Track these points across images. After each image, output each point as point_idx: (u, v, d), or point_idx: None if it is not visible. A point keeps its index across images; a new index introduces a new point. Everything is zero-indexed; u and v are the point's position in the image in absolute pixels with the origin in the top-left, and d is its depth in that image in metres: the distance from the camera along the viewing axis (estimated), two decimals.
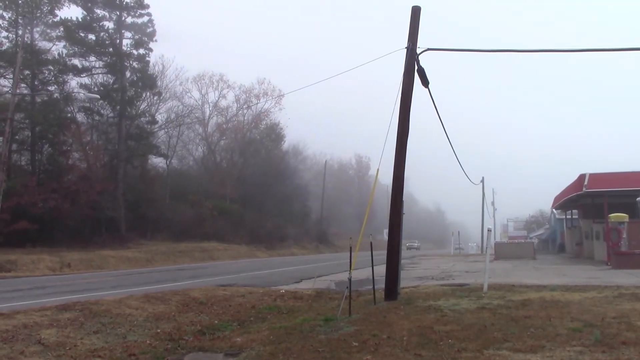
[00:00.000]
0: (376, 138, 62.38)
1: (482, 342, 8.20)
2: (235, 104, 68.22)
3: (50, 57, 43.15)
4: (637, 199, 29.11)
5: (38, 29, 42.47)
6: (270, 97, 67.43)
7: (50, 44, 43.73)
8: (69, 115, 45.20)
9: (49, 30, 43.16)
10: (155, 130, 53.83)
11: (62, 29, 43.58)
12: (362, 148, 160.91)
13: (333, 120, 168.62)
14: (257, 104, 67.72)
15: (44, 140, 42.36)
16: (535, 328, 9.15)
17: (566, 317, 10.24)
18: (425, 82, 14.65)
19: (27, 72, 40.41)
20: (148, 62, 49.78)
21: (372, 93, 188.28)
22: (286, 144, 75.69)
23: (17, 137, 40.74)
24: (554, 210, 58.60)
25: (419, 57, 14.12)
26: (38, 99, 41.84)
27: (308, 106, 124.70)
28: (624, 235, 26.26)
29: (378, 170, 15.11)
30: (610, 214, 27.17)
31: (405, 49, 14.12)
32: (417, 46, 14.09)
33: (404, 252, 12.58)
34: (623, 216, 26.59)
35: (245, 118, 69.72)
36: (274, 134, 70.60)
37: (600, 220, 30.94)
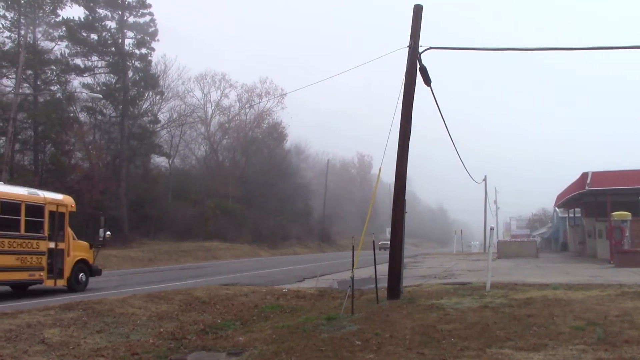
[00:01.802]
0: (378, 137, 62.07)
1: (484, 340, 8.20)
2: (238, 103, 68.29)
3: (52, 57, 43.26)
4: None
5: (40, 28, 42.55)
6: (273, 97, 67.47)
7: (53, 44, 43.92)
8: (72, 114, 45.29)
9: (51, 30, 43.26)
10: (158, 129, 53.89)
11: (64, 28, 43.69)
12: (365, 147, 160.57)
13: (335, 119, 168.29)
14: (259, 103, 67.73)
15: (47, 139, 42.41)
16: (538, 326, 9.15)
17: (569, 315, 10.23)
18: (427, 81, 14.66)
19: (29, 72, 40.50)
20: (150, 61, 49.94)
21: (374, 92, 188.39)
22: (288, 143, 75.82)
23: (19, 136, 40.82)
24: (556, 208, 58.59)
25: (421, 55, 14.13)
26: (41, 99, 41.93)
27: (310, 105, 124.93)
28: (627, 234, 26.23)
29: (380, 169, 15.11)
30: (613, 212, 27.13)
31: (408, 48, 14.12)
32: (419, 45, 14.10)
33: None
34: (626, 214, 26.55)
35: (248, 117, 69.78)
36: (276, 133, 70.62)
37: (603, 218, 30.90)
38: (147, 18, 48.68)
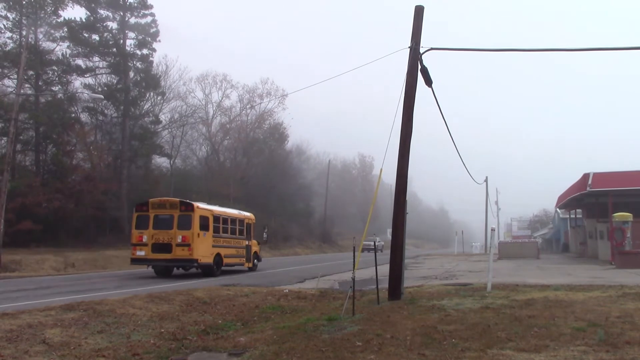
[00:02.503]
0: (380, 138, 62.66)
1: (485, 341, 8.20)
2: (239, 104, 68.38)
3: (54, 58, 43.31)
4: None
5: (42, 29, 42.58)
6: (274, 97, 67.55)
7: (54, 45, 43.93)
8: (73, 115, 45.28)
9: (52, 31, 43.28)
10: (159, 130, 53.87)
11: (65, 29, 43.71)
12: (366, 147, 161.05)
13: (337, 120, 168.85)
14: (260, 103, 67.80)
15: (48, 140, 42.47)
16: (539, 328, 9.15)
17: (570, 316, 10.22)
18: (428, 82, 14.65)
19: (31, 72, 40.51)
20: (152, 62, 50.01)
21: (376, 93, 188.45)
22: (289, 144, 75.92)
23: (21, 137, 40.83)
24: (557, 209, 58.56)
25: (422, 56, 14.13)
26: (42, 99, 41.95)
27: (312, 106, 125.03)
28: (628, 235, 26.20)
29: (381, 170, 15.13)
30: (615, 213, 27.11)
31: (409, 49, 14.12)
32: (421, 46, 14.10)
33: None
34: (627, 215, 26.53)
35: (249, 118, 69.85)
36: (278, 133, 70.68)
37: (604, 219, 30.90)
38: (149, 19, 48.79)
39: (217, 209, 26.27)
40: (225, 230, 25.70)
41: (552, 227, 74.13)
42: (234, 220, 26.93)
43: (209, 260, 23.73)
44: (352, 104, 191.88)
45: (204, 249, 23.28)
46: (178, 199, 24.71)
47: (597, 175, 28.67)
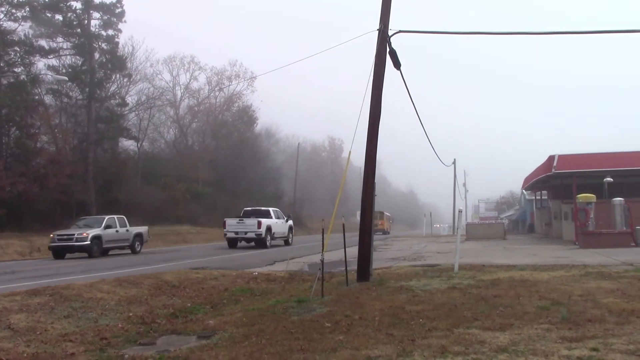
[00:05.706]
0: (349, 120, 63.46)
1: (452, 321, 8.32)
2: (207, 86, 67.72)
3: (16, 38, 42.22)
4: (604, 179, 29.63)
5: (3, 8, 41.43)
6: (243, 79, 67.08)
7: (16, 25, 42.74)
8: (37, 97, 44.35)
9: (14, 10, 42.12)
10: (126, 112, 53.13)
11: (27, 9, 42.58)
12: (335, 130, 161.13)
13: (306, 103, 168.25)
14: (229, 86, 67.31)
15: (11, 123, 41.50)
16: (504, 307, 9.32)
17: (534, 295, 10.43)
18: (397, 64, 14.67)
19: None
20: (117, 43, 49.07)
21: (346, 75, 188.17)
22: (259, 127, 75.52)
23: None
24: (524, 191, 59.45)
25: (391, 39, 14.14)
26: (4, 81, 40.90)
27: (281, 89, 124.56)
28: (592, 216, 26.69)
29: (350, 152, 15.17)
30: (579, 194, 27.60)
31: (377, 31, 14.10)
32: (389, 28, 14.09)
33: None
34: (591, 197, 27.02)
35: (217, 100, 69.30)
36: (247, 116, 70.21)
37: (569, 200, 31.43)
38: None
39: (387, 213, 62.11)
40: (387, 220, 59.83)
41: (519, 208, 75.38)
42: (388, 217, 63.18)
43: (388, 230, 61.81)
44: (323, 87, 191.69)
45: (387, 226, 58.71)
46: (378, 211, 51.56)
47: (562, 157, 29.10)
